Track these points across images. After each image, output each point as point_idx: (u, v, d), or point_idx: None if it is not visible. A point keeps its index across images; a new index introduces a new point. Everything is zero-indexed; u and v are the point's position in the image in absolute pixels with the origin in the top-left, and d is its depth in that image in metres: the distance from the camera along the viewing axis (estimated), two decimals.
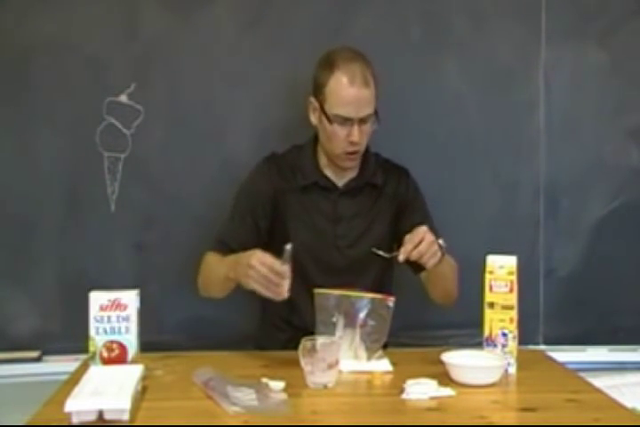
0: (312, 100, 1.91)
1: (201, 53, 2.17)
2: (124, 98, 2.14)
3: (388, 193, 1.99)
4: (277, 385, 1.56)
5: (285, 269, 1.60)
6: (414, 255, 1.70)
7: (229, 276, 1.73)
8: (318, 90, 1.88)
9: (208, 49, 2.17)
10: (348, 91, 1.83)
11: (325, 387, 1.57)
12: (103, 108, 2.13)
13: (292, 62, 2.12)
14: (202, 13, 2.16)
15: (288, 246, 1.64)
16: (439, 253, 1.74)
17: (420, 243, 1.69)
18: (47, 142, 2.13)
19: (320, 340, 1.61)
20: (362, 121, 1.85)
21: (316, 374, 1.57)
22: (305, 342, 1.59)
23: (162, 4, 2.15)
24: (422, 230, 1.71)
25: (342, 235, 1.95)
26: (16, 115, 2.13)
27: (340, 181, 1.97)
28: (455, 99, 2.22)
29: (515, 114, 2.23)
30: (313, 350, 1.58)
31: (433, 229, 1.78)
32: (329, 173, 1.97)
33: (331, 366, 1.57)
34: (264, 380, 1.58)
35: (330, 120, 1.86)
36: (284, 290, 1.61)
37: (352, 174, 1.98)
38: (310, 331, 1.70)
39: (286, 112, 2.12)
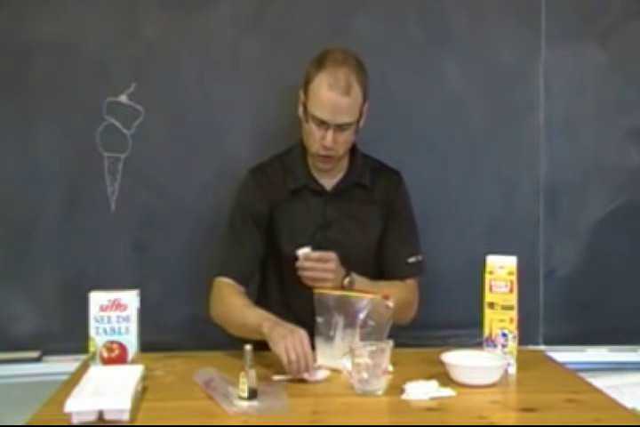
0: (300, 93, 1.90)
1: (201, 53, 2.17)
2: (123, 98, 2.14)
3: (378, 196, 1.97)
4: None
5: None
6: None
7: (261, 330, 1.68)
8: (306, 86, 1.87)
9: (208, 49, 2.17)
10: (325, 94, 1.81)
11: (375, 394, 1.54)
12: (103, 108, 2.13)
13: (292, 62, 2.10)
14: (202, 13, 2.16)
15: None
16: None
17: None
18: (47, 142, 2.13)
19: (369, 347, 1.57)
20: (339, 127, 1.83)
21: (371, 382, 1.53)
22: (354, 350, 1.55)
23: (162, 5, 2.15)
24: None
25: (333, 240, 1.92)
26: (16, 115, 2.13)
27: (329, 183, 1.96)
28: (455, 99, 2.22)
29: (515, 114, 2.23)
30: (363, 356, 1.54)
31: (413, 245, 1.93)
32: (317, 174, 1.95)
33: (383, 373, 1.55)
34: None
35: (309, 118, 1.85)
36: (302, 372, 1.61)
37: (340, 175, 1.97)
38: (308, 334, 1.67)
39: (286, 112, 2.11)
